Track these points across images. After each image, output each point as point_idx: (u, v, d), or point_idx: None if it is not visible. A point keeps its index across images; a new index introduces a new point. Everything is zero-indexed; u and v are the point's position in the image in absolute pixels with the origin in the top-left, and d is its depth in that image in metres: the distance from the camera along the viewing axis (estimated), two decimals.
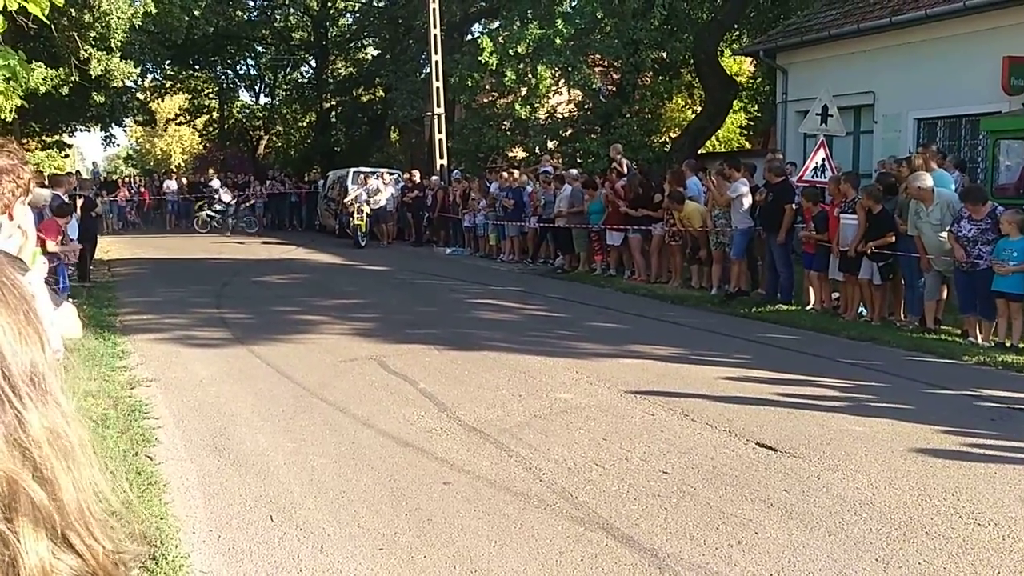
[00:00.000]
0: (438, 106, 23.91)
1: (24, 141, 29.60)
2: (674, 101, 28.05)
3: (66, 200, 12.90)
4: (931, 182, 9.81)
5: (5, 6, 4.38)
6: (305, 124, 43.04)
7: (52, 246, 9.79)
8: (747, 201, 12.34)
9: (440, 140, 24.20)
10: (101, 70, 22.43)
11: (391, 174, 24.70)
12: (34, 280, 1.80)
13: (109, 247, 20.33)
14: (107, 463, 0.75)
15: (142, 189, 33.32)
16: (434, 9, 23.36)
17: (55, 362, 0.72)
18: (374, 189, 22.73)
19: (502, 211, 18.72)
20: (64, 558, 0.67)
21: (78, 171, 30.25)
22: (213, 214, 27.29)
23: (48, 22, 5.08)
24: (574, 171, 18.24)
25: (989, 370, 8.38)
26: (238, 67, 42.60)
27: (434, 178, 23.30)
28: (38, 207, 9.69)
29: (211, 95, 42.95)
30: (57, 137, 34.35)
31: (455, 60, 24.14)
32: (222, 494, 5.24)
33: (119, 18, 21.20)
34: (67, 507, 0.68)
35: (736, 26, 25.07)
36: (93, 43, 22.06)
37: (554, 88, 24.47)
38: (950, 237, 9.46)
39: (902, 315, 10.57)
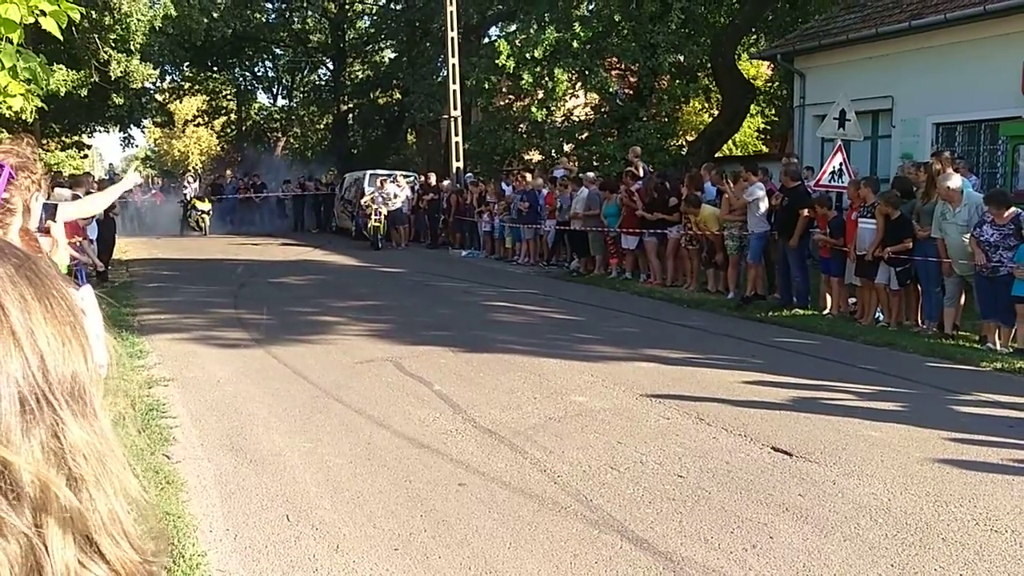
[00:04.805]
0: (455, 109, 23.95)
1: (44, 142, 29.83)
2: (691, 105, 27.95)
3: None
4: (960, 183, 9.77)
5: (22, 19, 4.42)
6: (322, 126, 43.19)
7: (73, 251, 9.86)
8: (763, 205, 12.31)
9: (456, 142, 24.24)
10: (121, 72, 22.63)
11: (406, 176, 24.77)
12: (86, 296, 1.83)
13: (127, 247, 20.47)
14: (137, 472, 0.77)
15: (153, 191, 33.43)
16: (451, 12, 23.41)
17: (97, 376, 0.74)
18: (391, 194, 22.78)
19: (517, 214, 18.73)
20: (92, 566, 0.69)
21: (89, 172, 30.42)
22: None
23: (62, 37, 5.12)
24: (591, 174, 18.23)
25: (1007, 376, 8.33)
26: (256, 69, 42.84)
27: (446, 182, 23.36)
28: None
29: (229, 97, 43.19)
30: (76, 138, 34.60)
31: (472, 63, 24.17)
32: (238, 493, 5.27)
33: (139, 20, 21.39)
34: (99, 516, 0.70)
35: (753, 30, 24.98)
36: (113, 45, 22.25)
37: (571, 91, 24.45)
38: (972, 241, 9.40)
39: (919, 320, 10.51)
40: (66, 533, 0.68)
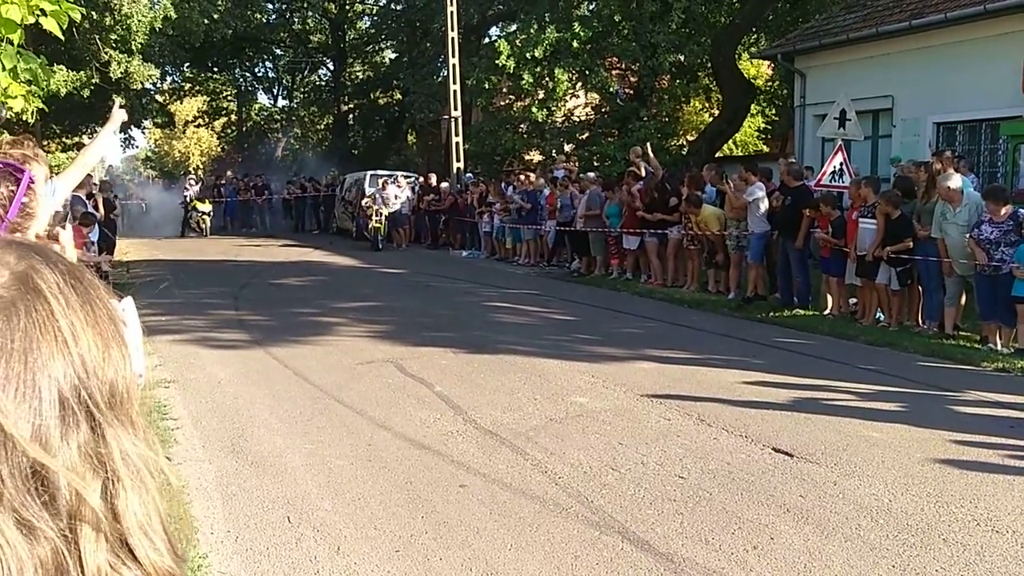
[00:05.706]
0: (455, 109, 23.95)
1: (45, 143, 29.85)
2: (692, 104, 27.95)
3: (86, 200, 13.03)
4: (960, 183, 9.77)
5: (23, 19, 4.43)
6: (323, 127, 43.20)
7: (80, 253, 9.89)
8: (763, 205, 12.31)
9: (457, 143, 24.25)
10: (121, 72, 22.63)
11: (407, 177, 24.78)
12: (127, 307, 1.85)
13: (127, 249, 20.47)
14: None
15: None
16: (452, 12, 23.42)
17: (135, 386, 0.76)
18: (391, 195, 22.79)
19: (517, 214, 18.72)
20: (124, 569, 0.71)
21: (89, 174, 30.36)
22: None
23: (63, 37, 5.16)
24: (591, 174, 18.23)
25: (1008, 376, 8.33)
26: (256, 70, 42.88)
27: (444, 184, 23.35)
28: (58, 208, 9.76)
29: (229, 97, 43.21)
30: (77, 139, 34.63)
31: (472, 63, 24.18)
32: (240, 495, 5.28)
33: (139, 21, 21.41)
34: (135, 518, 0.72)
35: (754, 29, 24.97)
36: (114, 46, 22.26)
37: (571, 91, 24.46)
38: (970, 242, 9.40)
39: (920, 320, 10.51)
40: (99, 535, 0.69)
